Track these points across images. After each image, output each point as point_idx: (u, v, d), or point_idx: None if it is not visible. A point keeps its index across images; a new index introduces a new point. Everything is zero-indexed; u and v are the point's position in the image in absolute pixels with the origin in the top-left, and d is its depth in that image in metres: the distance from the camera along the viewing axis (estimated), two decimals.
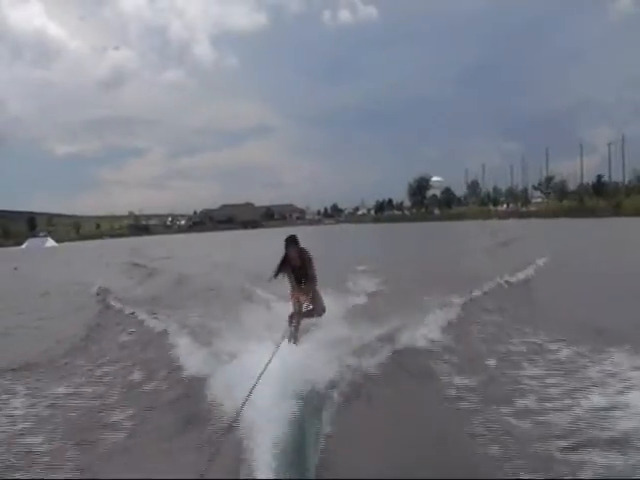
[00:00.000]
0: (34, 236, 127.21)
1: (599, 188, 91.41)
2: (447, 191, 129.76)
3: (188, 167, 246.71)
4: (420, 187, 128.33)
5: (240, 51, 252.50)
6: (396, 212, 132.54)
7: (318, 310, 8.30)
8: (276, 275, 8.15)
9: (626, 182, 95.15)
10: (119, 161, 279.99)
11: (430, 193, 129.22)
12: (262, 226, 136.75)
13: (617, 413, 4.83)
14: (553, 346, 7.11)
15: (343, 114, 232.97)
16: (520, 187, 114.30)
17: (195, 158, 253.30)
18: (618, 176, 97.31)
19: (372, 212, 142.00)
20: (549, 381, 5.86)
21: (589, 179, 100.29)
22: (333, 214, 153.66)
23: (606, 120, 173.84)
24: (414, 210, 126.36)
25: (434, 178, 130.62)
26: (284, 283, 8.28)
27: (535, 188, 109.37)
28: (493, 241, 29.90)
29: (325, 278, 8.92)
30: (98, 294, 15.11)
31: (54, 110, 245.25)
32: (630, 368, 5.87)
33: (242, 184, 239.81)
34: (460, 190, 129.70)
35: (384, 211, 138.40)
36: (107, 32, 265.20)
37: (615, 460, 4.09)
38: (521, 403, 5.34)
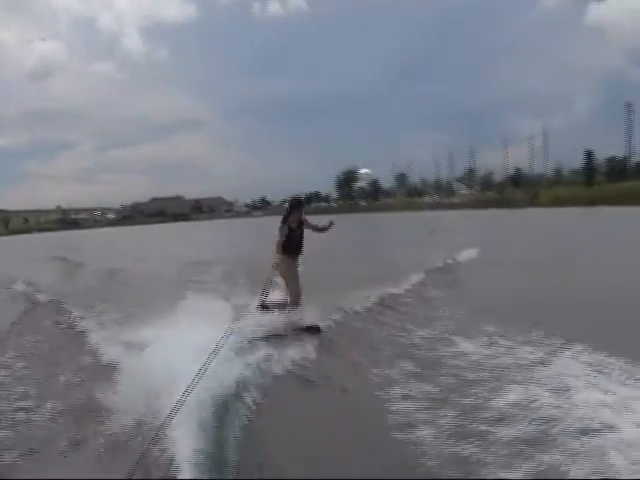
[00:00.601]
0: None
1: (518, 180, 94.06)
2: (375, 183, 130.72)
3: (117, 160, 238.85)
4: (348, 179, 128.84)
5: (170, 43, 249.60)
6: (323, 204, 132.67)
7: (294, 300, 8.28)
8: (282, 227, 8.23)
9: (549, 173, 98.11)
10: (48, 154, 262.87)
11: (358, 185, 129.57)
12: (192, 219, 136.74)
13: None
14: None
15: (273, 106, 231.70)
16: (446, 179, 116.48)
17: (125, 151, 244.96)
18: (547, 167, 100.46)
19: None
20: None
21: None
22: (262, 206, 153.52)
23: (535, 113, 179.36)
24: (341, 202, 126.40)
25: (362, 170, 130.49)
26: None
27: (458, 181, 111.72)
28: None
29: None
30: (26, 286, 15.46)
31: None
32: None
33: (172, 177, 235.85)
34: (389, 182, 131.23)
35: (312, 203, 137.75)
36: (34, 23, 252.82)
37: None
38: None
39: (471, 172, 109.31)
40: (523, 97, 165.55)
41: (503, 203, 77.36)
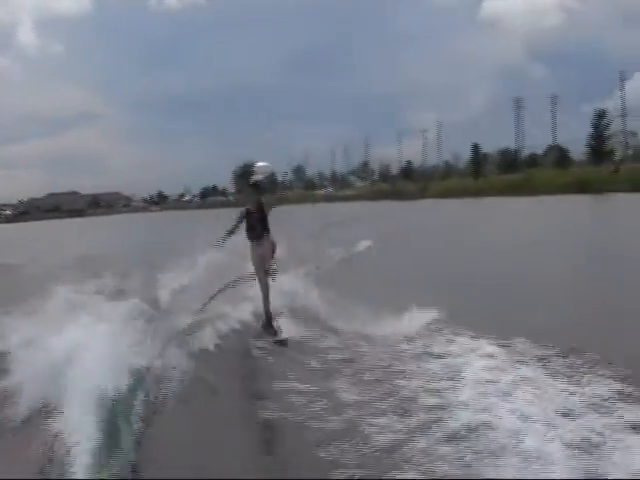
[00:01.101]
0: None
1: (409, 173, 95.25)
2: (272, 176, 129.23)
3: (12, 155, 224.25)
4: (245, 173, 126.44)
5: (66, 37, 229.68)
6: (220, 198, 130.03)
7: (263, 291, 8.51)
8: (237, 224, 8.48)
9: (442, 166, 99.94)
10: None
11: (255, 179, 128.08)
12: (88, 214, 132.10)
13: None
14: None
15: (170, 100, 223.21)
16: (342, 172, 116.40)
17: (19, 146, 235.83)
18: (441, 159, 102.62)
19: (197, 199, 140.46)
20: None
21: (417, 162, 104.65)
22: (159, 201, 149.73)
23: (432, 105, 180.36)
24: (237, 196, 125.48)
25: (259, 163, 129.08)
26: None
27: (352, 173, 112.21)
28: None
29: None
30: None
31: None
32: None
33: (67, 172, 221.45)
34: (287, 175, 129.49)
35: (209, 197, 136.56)
36: None
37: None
38: None
39: (365, 165, 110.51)
40: (421, 89, 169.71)
41: (396, 195, 77.82)
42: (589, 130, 73.63)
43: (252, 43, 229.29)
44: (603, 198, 44.42)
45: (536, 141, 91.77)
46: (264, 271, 8.54)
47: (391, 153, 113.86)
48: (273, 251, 8.64)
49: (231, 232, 8.48)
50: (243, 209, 8.54)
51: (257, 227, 8.48)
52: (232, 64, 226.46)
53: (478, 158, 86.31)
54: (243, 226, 8.57)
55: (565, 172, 66.20)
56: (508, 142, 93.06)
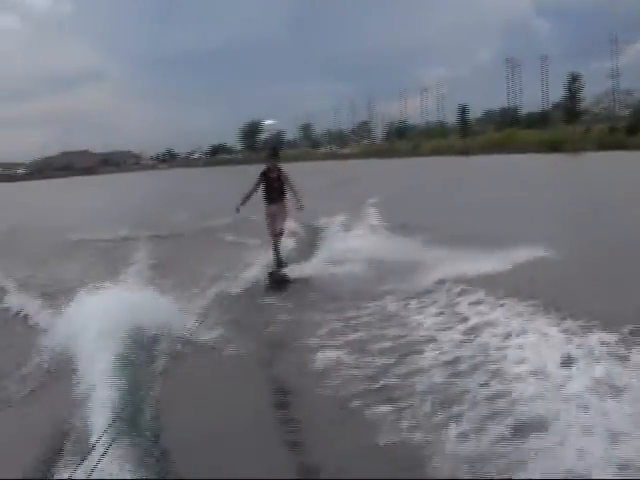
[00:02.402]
0: None
1: (403, 131, 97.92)
2: (280, 134, 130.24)
3: (22, 114, 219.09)
4: (252, 131, 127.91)
5: None
6: (227, 156, 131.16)
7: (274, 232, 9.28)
8: (255, 188, 8.96)
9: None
10: None
11: (263, 136, 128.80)
12: (99, 172, 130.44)
13: None
14: None
15: (177, 58, 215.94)
16: (342, 130, 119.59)
17: (30, 105, 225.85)
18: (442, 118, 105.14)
19: (206, 157, 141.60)
20: None
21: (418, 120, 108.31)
22: (168, 159, 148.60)
23: (437, 62, 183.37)
24: (245, 154, 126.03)
25: (267, 121, 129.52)
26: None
27: (351, 132, 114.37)
28: None
29: None
30: None
31: None
32: None
33: (78, 130, 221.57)
34: (293, 133, 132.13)
35: (217, 155, 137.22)
36: None
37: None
38: None
39: (365, 123, 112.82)
40: (427, 46, 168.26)
41: (390, 153, 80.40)
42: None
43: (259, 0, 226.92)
44: (572, 156, 47.95)
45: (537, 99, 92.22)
46: (275, 228, 9.12)
47: (393, 111, 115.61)
48: (285, 216, 9.23)
49: (248, 197, 8.98)
50: (260, 173, 9.00)
51: (274, 192, 8.97)
52: (236, 21, 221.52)
53: (465, 118, 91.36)
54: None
55: (542, 132, 68.86)
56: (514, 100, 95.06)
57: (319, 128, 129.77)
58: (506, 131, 75.39)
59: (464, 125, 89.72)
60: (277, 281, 8.67)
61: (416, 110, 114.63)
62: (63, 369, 5.37)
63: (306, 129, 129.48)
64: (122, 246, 13.41)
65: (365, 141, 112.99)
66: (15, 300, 8.57)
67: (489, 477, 3.47)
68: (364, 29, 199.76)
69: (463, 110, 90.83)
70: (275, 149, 9.67)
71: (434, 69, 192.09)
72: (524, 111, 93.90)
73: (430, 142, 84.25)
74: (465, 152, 68.21)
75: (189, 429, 4.41)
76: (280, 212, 9.11)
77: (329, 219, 14.63)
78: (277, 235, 9.15)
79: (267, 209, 9.13)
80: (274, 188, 8.95)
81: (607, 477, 3.31)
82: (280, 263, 9.10)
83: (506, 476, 3.46)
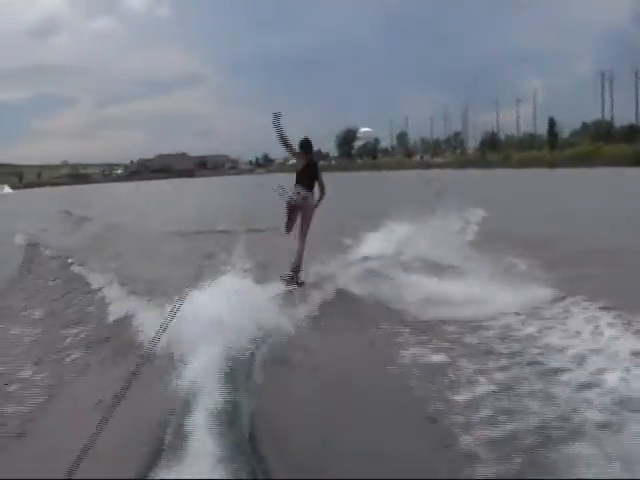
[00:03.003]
0: None
1: (494, 143, 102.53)
2: (376, 141, 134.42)
3: (119, 116, 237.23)
4: (347, 138, 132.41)
5: None
6: (322, 163, 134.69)
7: (315, 201, 8.80)
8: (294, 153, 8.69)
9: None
10: (49, 110, 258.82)
11: (358, 144, 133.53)
12: (196, 175, 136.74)
13: None
14: None
15: (273, 63, 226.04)
16: (437, 139, 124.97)
17: (126, 107, 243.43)
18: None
19: None
20: None
21: (514, 130, 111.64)
22: (264, 164, 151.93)
23: (536, 72, 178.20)
24: (339, 160, 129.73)
25: (362, 129, 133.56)
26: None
27: (445, 141, 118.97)
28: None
29: None
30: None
31: None
32: None
33: (174, 133, 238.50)
34: (387, 141, 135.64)
35: None
36: None
37: None
38: None
39: (457, 134, 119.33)
40: (524, 57, 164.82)
41: (478, 164, 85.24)
42: None
43: (354, 5, 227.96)
44: None
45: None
46: (296, 224, 8.68)
47: (488, 119, 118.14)
48: (312, 213, 8.74)
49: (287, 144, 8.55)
50: (303, 154, 8.78)
51: (311, 178, 8.73)
52: (334, 27, 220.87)
53: (553, 131, 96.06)
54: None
55: (630, 146, 71.76)
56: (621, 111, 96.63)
57: (414, 136, 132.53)
58: (595, 144, 78.55)
59: (553, 138, 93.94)
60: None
61: (511, 120, 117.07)
62: (165, 366, 5.19)
63: (402, 137, 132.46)
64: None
65: (457, 151, 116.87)
66: (115, 294, 8.72)
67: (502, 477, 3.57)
68: (463, 37, 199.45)
69: (551, 123, 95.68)
70: (308, 141, 8.84)
71: (531, 79, 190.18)
72: (621, 123, 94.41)
73: (518, 154, 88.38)
74: (552, 165, 70.53)
75: (288, 429, 4.47)
76: (307, 206, 8.68)
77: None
78: (302, 236, 8.66)
79: (295, 190, 8.61)
80: (308, 173, 8.64)
81: (607, 477, 3.44)
82: (296, 271, 8.59)
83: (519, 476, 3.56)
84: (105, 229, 19.28)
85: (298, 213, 8.62)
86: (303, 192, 8.58)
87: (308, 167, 8.69)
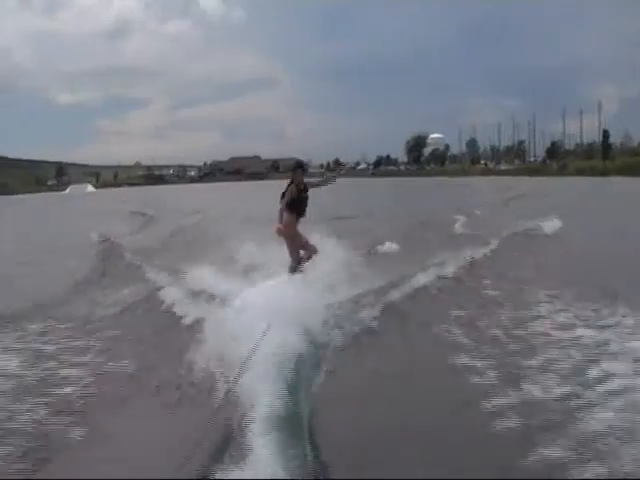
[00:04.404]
0: (61, 183, 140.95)
1: (554, 151, 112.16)
2: (446, 148, 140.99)
3: (192, 118, 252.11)
4: (417, 144, 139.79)
5: (246, 2, 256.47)
6: (391, 168, 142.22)
7: (308, 252, 8.66)
8: (283, 196, 8.47)
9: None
10: (121, 112, 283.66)
11: (428, 150, 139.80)
12: (268, 178, 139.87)
13: None
14: None
15: (345, 68, 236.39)
16: (508, 145, 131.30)
17: (198, 109, 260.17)
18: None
19: (371, 167, 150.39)
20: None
21: (587, 138, 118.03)
22: (335, 168, 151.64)
23: (608, 79, 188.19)
24: (408, 166, 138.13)
25: (433, 135, 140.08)
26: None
27: (509, 149, 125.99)
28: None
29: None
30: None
31: (58, 59, 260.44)
32: None
33: (245, 136, 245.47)
34: (460, 147, 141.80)
35: (381, 166, 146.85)
36: None
37: None
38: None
39: (521, 143, 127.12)
40: (594, 65, 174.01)
41: (537, 172, 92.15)
42: None
43: (427, 12, 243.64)
44: None
45: None
46: (301, 239, 8.67)
47: (556, 128, 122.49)
48: (308, 248, 8.70)
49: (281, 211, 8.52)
50: (293, 187, 8.46)
51: (304, 205, 8.58)
52: (406, 33, 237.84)
53: (607, 141, 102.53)
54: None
55: None
56: None
57: (481, 143, 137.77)
58: None
59: (607, 147, 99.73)
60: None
61: (576, 129, 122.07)
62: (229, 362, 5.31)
63: (471, 144, 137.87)
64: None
65: (516, 160, 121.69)
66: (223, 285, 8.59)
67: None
68: (535, 45, 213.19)
69: (605, 134, 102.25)
70: (300, 163, 8.88)
71: (602, 87, 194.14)
72: None
73: (574, 163, 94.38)
74: (605, 173, 75.63)
75: (348, 429, 4.52)
76: (299, 235, 8.67)
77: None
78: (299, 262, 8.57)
79: (292, 223, 8.48)
80: (303, 201, 8.51)
81: (608, 477, 3.52)
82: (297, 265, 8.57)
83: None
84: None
85: (298, 239, 8.67)
86: (295, 222, 8.60)
87: (306, 194, 8.63)
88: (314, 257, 8.50)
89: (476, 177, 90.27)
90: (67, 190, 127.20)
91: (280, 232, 8.41)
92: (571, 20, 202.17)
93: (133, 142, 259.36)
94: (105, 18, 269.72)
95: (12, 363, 6.55)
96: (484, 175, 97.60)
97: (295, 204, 8.44)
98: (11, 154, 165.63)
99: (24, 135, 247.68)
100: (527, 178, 75.67)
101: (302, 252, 8.64)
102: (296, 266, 8.37)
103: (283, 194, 8.50)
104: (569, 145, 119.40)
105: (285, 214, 8.45)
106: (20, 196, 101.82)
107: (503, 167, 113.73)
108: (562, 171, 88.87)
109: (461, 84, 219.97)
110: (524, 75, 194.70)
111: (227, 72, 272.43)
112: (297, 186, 8.46)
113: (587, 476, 3.69)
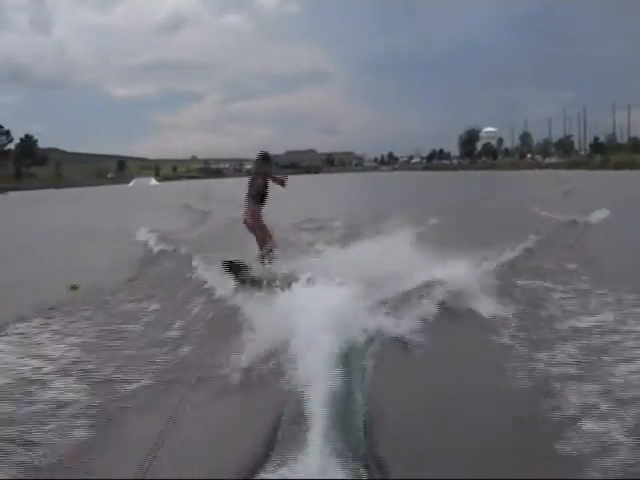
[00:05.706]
0: (122, 177, 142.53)
1: (599, 146, 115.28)
2: (500, 141, 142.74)
3: (247, 112, 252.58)
4: (470, 138, 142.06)
5: None
6: (444, 162, 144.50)
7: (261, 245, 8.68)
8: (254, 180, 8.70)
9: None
10: (175, 105, 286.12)
11: (481, 144, 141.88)
12: (323, 172, 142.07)
13: None
14: None
15: (398, 62, 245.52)
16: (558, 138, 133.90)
17: (254, 103, 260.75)
18: None
19: (424, 161, 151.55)
20: None
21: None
22: (389, 162, 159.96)
23: None
24: (460, 160, 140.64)
25: (486, 129, 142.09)
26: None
27: (557, 143, 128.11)
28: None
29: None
30: None
31: (113, 54, 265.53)
32: None
33: (300, 130, 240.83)
34: (512, 141, 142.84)
35: (434, 160, 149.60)
36: None
37: None
38: None
39: (567, 137, 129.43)
40: None
41: (582, 165, 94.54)
42: None
43: (480, 4, 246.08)
44: None
45: None
46: (266, 229, 8.77)
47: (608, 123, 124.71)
48: (270, 234, 8.72)
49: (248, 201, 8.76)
50: (258, 178, 8.76)
51: (265, 195, 8.82)
52: (460, 26, 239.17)
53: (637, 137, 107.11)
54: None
55: None
56: None
57: (535, 136, 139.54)
58: None
59: (635, 143, 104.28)
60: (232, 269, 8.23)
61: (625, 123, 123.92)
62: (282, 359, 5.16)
63: (525, 138, 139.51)
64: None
65: (567, 153, 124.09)
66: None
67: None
68: (591, 40, 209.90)
69: None
70: (266, 155, 8.96)
71: None
72: None
73: (617, 156, 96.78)
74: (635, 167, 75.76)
75: (403, 427, 4.28)
76: (265, 225, 8.85)
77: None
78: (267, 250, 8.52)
79: (257, 211, 8.73)
80: (265, 191, 8.80)
81: (608, 477, 3.40)
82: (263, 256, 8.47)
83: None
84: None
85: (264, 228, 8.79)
86: (259, 210, 8.79)
87: (265, 186, 8.80)
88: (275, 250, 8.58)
89: (516, 171, 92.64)
90: (131, 183, 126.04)
91: (248, 224, 8.78)
92: (625, 13, 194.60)
93: (188, 135, 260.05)
94: (160, 12, 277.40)
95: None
96: (529, 169, 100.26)
97: (262, 195, 8.74)
98: (69, 148, 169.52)
99: (82, 129, 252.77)
100: (564, 171, 78.75)
101: (269, 243, 8.68)
102: (265, 255, 8.39)
103: (250, 184, 8.76)
104: (622, 139, 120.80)
105: (251, 204, 8.72)
106: (83, 189, 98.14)
107: (550, 160, 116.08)
108: (604, 165, 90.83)
109: (513, 78, 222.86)
110: (580, 67, 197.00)
111: (282, 65, 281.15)
112: (264, 177, 8.76)
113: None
